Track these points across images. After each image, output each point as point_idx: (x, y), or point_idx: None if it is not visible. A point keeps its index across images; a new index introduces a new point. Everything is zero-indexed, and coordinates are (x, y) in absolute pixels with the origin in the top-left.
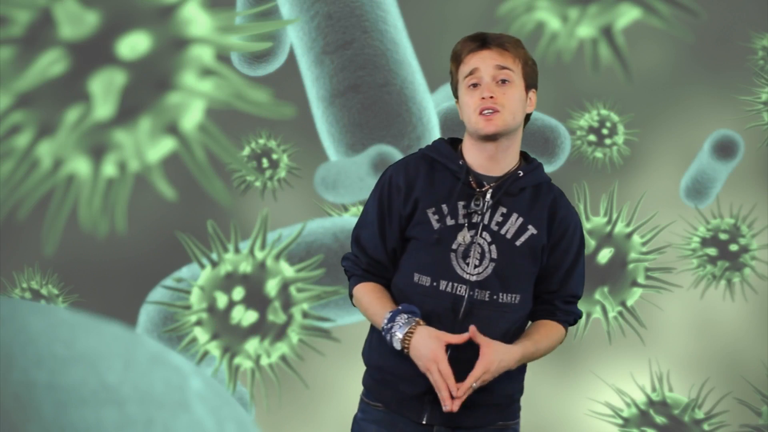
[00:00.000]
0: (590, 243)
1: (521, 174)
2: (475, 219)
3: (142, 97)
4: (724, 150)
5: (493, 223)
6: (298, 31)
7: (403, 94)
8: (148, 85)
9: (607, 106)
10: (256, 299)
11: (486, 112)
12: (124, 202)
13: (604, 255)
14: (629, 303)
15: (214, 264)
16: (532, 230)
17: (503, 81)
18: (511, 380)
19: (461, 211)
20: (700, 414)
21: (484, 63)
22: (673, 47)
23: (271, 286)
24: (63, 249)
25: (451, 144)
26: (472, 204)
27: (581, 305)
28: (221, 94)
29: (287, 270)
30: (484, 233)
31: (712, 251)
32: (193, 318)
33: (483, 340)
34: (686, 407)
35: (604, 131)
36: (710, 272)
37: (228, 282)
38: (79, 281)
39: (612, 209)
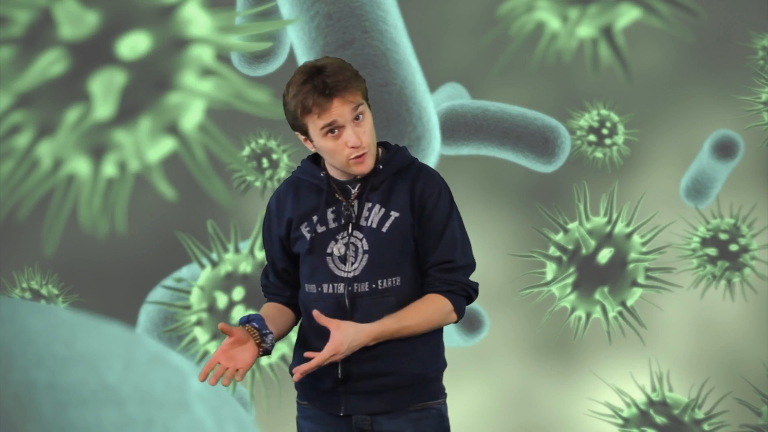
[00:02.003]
0: (590, 243)
1: (381, 167)
2: (345, 220)
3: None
4: (724, 150)
5: (361, 219)
6: (298, 31)
7: (403, 94)
8: (148, 85)
9: (607, 106)
10: (256, 299)
11: (357, 157)
12: (124, 202)
13: (604, 255)
14: (629, 303)
15: (214, 264)
16: (395, 214)
17: (357, 117)
18: (418, 360)
19: (330, 217)
20: (700, 414)
21: (341, 114)
22: (673, 47)
23: None
24: (63, 249)
25: (315, 159)
26: (342, 208)
27: (581, 305)
28: (221, 94)
29: None
30: (355, 231)
31: (712, 251)
32: (193, 318)
33: (330, 323)
34: (686, 407)
35: (604, 131)
36: (710, 272)
37: (228, 282)
38: (79, 281)
39: (612, 209)
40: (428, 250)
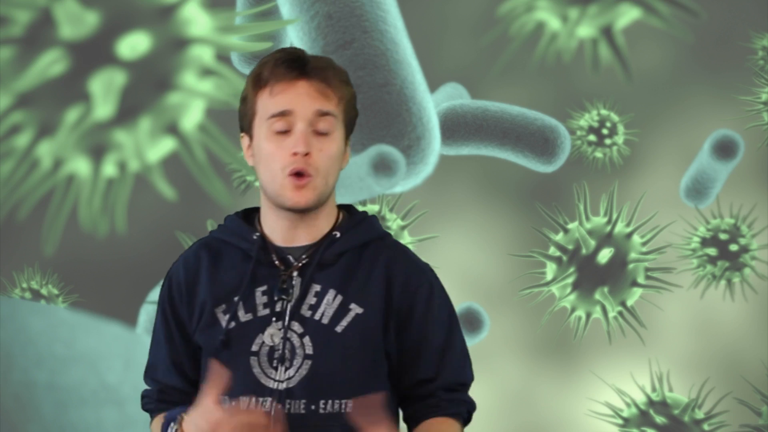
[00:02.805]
0: (590, 243)
1: (338, 235)
2: (281, 307)
3: (142, 97)
4: (724, 150)
5: (305, 307)
6: (298, 31)
7: (403, 94)
8: (148, 85)
9: (607, 106)
10: None
11: (297, 175)
12: (124, 202)
13: (604, 255)
14: (629, 303)
15: None
16: (355, 309)
17: (321, 133)
18: None
19: (260, 300)
20: (700, 414)
21: (300, 104)
22: (673, 47)
23: None
24: (63, 249)
25: (246, 217)
26: (278, 287)
27: (581, 305)
28: (221, 94)
29: None
30: (294, 323)
31: (712, 251)
32: None
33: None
34: (686, 407)
35: (604, 131)
36: (710, 272)
37: None
38: (79, 281)
39: (612, 209)
40: (430, 364)
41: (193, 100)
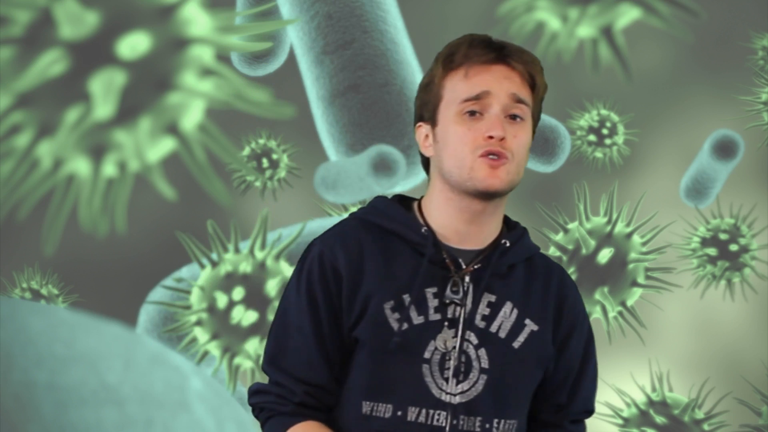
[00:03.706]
0: (590, 243)
1: (508, 244)
2: (452, 313)
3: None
4: (724, 150)
5: (478, 317)
6: (298, 31)
7: (403, 94)
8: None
9: (607, 106)
10: (256, 299)
11: (491, 156)
12: (124, 202)
13: (604, 255)
14: (629, 303)
15: (214, 264)
16: (531, 326)
17: (514, 117)
18: None
19: (431, 303)
20: (700, 414)
21: (499, 86)
22: (673, 47)
23: (272, 286)
24: (63, 249)
25: (401, 204)
26: (448, 291)
27: None
28: (221, 94)
29: (287, 270)
30: (469, 333)
31: (712, 251)
32: (193, 318)
33: None
34: (686, 407)
35: (604, 131)
36: (710, 272)
37: (228, 282)
38: (79, 281)
39: (612, 209)
40: (565, 391)
41: (193, 100)
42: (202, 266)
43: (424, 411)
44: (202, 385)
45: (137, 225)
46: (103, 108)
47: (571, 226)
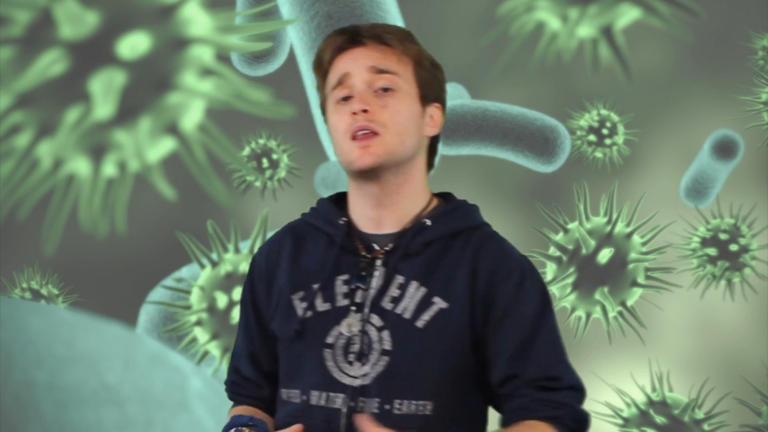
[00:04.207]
0: (590, 243)
1: (428, 223)
2: (360, 297)
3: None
4: (724, 150)
5: (387, 299)
6: (298, 31)
7: None
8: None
9: (607, 106)
10: None
11: (360, 133)
12: (124, 202)
13: (604, 255)
14: (629, 303)
15: (214, 264)
16: (440, 303)
17: (384, 89)
18: None
19: (340, 289)
20: (700, 414)
21: (356, 65)
22: (673, 47)
23: None
24: (63, 249)
25: (339, 201)
26: (358, 277)
27: (581, 305)
28: (221, 94)
29: None
30: (373, 315)
31: (712, 251)
32: (193, 318)
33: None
34: (686, 407)
35: (604, 131)
36: (710, 272)
37: (228, 282)
38: (79, 281)
39: (612, 209)
40: (514, 359)
41: (193, 100)
42: (202, 266)
43: (324, 394)
44: (202, 385)
45: (137, 225)
46: (103, 108)
47: (571, 226)
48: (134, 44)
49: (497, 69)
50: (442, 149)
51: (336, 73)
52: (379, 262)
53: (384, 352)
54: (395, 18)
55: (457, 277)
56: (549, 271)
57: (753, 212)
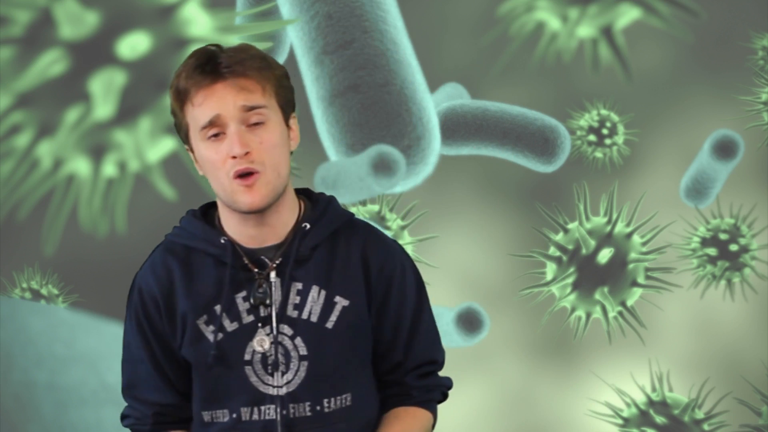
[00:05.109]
0: (590, 243)
1: (308, 227)
2: (265, 311)
3: (142, 97)
4: (724, 150)
5: (290, 307)
6: (298, 31)
7: (403, 94)
8: (148, 85)
9: (607, 106)
10: None
11: (244, 175)
12: (124, 202)
13: (604, 255)
14: (629, 303)
15: None
16: (341, 302)
17: (256, 124)
18: None
19: (242, 307)
20: (700, 414)
21: (224, 106)
22: (673, 47)
23: None
24: (63, 249)
25: (205, 215)
26: (255, 292)
27: (581, 305)
28: None
29: None
30: (283, 326)
31: (712, 251)
32: None
33: None
34: (686, 407)
35: (604, 131)
36: (710, 272)
37: None
38: (79, 281)
39: (612, 209)
40: (399, 348)
41: None
42: None
43: (255, 409)
44: None
45: (137, 225)
46: (103, 108)
47: (571, 226)
48: (134, 44)
49: (497, 69)
50: (442, 149)
51: (205, 113)
52: (273, 274)
53: (302, 358)
54: (395, 18)
55: (352, 275)
56: (549, 271)
57: (753, 212)
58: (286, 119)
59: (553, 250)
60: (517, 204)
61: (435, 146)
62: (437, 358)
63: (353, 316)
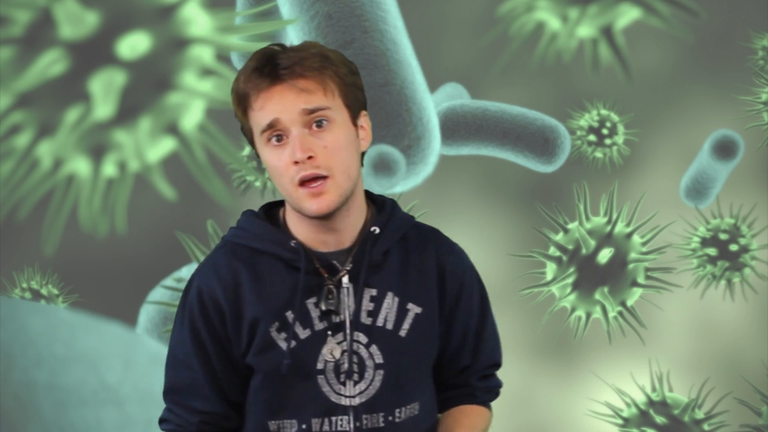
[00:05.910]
0: (590, 243)
1: (377, 231)
2: (337, 318)
3: (142, 97)
4: (724, 150)
5: (364, 314)
6: (298, 31)
7: (403, 94)
8: (148, 85)
9: (607, 106)
10: None
11: (310, 183)
12: (124, 202)
13: (604, 255)
14: (629, 303)
15: None
16: (414, 309)
17: (319, 125)
18: None
19: (314, 313)
20: (700, 414)
21: (286, 109)
22: (673, 47)
23: None
24: (63, 249)
25: (268, 214)
26: (326, 298)
27: (581, 305)
28: (221, 94)
29: None
30: (357, 333)
31: (712, 251)
32: None
33: None
34: (686, 407)
35: (604, 131)
36: (710, 272)
37: None
38: (79, 281)
39: (612, 209)
40: (467, 351)
41: (193, 100)
42: None
43: (327, 420)
44: None
45: (137, 225)
46: (103, 108)
47: (571, 226)
48: (134, 44)
49: (497, 69)
50: (442, 149)
51: (265, 117)
52: (345, 279)
53: (378, 366)
54: (395, 18)
55: (427, 281)
56: (549, 271)
57: (753, 212)
58: (354, 118)
59: (553, 250)
60: (517, 204)
61: (435, 146)
62: (499, 360)
63: (425, 323)
